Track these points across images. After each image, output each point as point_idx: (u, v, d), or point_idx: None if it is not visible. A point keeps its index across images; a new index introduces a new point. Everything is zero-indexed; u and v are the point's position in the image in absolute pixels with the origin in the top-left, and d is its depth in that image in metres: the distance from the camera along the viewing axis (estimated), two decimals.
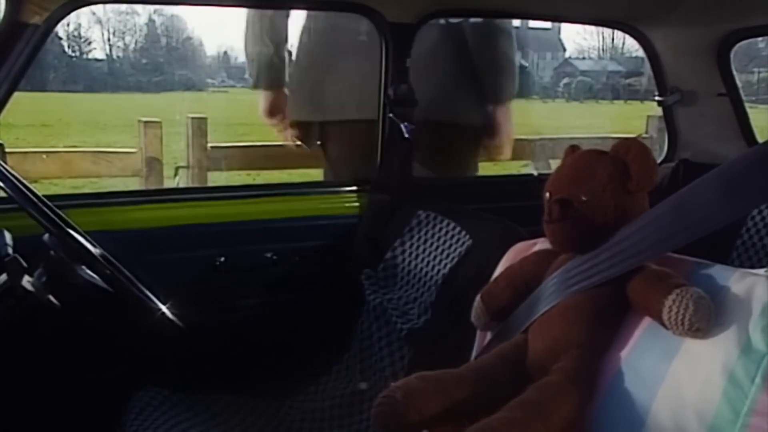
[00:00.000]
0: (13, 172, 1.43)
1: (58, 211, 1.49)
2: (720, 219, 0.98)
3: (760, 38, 3.94)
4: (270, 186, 2.33)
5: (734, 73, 2.23)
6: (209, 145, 3.86)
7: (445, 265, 1.72)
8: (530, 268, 1.23)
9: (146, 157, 3.45)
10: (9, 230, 1.46)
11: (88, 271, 1.41)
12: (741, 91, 2.27)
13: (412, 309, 1.76)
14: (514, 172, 4.08)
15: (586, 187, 1.11)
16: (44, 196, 1.49)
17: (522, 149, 4.11)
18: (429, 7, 1.98)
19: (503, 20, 2.37)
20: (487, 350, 1.21)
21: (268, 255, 1.94)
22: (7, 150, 3.12)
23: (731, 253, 1.93)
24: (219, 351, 1.82)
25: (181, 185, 2.39)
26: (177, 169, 2.41)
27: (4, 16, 1.51)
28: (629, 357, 1.03)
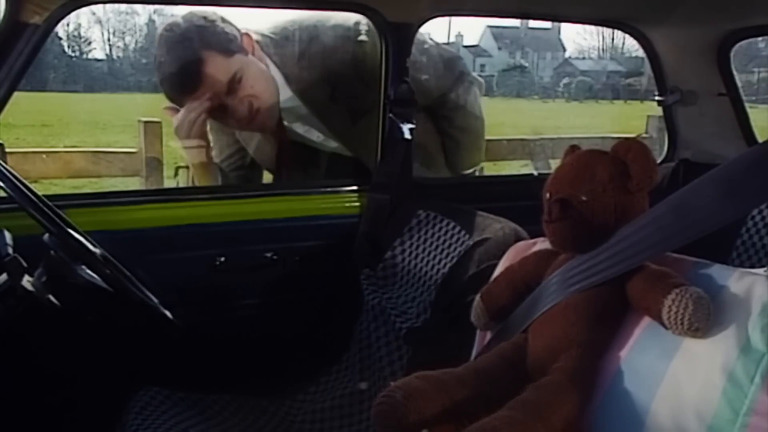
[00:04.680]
0: (13, 172, 1.43)
1: (58, 211, 1.49)
2: (720, 219, 0.98)
3: (760, 38, 3.94)
4: (270, 186, 2.33)
5: (734, 73, 2.23)
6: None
7: (445, 264, 1.72)
8: (530, 268, 1.23)
9: (146, 157, 3.45)
10: (9, 230, 1.45)
11: (88, 271, 1.41)
12: (741, 91, 2.27)
13: (411, 309, 1.76)
14: (514, 172, 4.08)
15: (585, 187, 1.11)
16: (44, 196, 1.49)
17: (522, 149, 4.12)
18: (429, 7, 1.98)
19: None
20: (487, 350, 1.21)
21: (268, 255, 1.94)
22: (7, 150, 3.12)
23: (731, 253, 1.93)
24: (219, 351, 1.82)
25: (181, 185, 2.38)
26: (177, 169, 2.41)
27: (4, 16, 1.51)
28: (629, 356, 1.03)
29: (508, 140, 4.24)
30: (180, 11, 2.11)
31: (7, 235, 1.43)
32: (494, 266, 1.37)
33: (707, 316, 0.95)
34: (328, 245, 2.00)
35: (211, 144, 2.21)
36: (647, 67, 2.40)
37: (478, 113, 2.39)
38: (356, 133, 2.20)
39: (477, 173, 2.49)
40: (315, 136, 2.24)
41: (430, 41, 2.26)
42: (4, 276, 1.36)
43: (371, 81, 2.06)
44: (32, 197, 1.40)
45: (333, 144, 2.25)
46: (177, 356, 1.72)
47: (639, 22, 2.26)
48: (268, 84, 2.09)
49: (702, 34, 2.19)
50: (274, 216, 1.95)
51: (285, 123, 2.19)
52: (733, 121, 2.27)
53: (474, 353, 1.31)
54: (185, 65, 1.95)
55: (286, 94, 2.12)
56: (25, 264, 1.36)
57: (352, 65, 2.11)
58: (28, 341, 1.63)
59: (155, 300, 1.49)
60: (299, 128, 2.22)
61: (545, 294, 1.14)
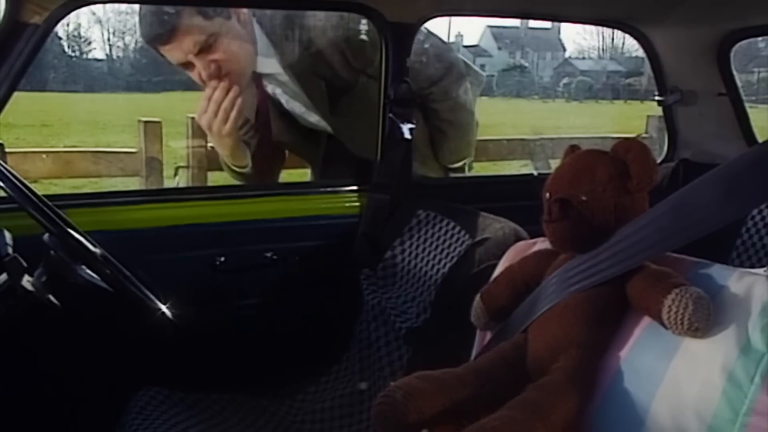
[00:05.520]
0: (13, 172, 1.43)
1: (58, 211, 1.49)
2: (720, 219, 0.98)
3: (760, 38, 3.94)
4: (270, 186, 2.33)
5: (734, 73, 2.24)
6: (209, 145, 3.86)
7: (445, 264, 1.72)
8: (530, 268, 1.23)
9: (146, 157, 3.45)
10: (9, 230, 1.46)
11: (88, 271, 1.41)
12: (741, 91, 2.27)
13: (411, 308, 1.76)
14: (514, 172, 4.09)
15: (585, 187, 1.11)
16: (44, 196, 1.49)
17: (522, 149, 4.12)
18: (429, 7, 1.98)
19: None
20: (487, 350, 1.22)
21: (268, 255, 1.94)
22: (7, 150, 3.11)
23: (731, 253, 1.93)
24: (219, 351, 1.82)
25: (181, 185, 2.38)
26: (177, 169, 2.42)
27: (4, 16, 1.51)
28: (629, 356, 1.03)
29: (508, 140, 4.23)
30: None
31: (7, 235, 1.44)
32: (494, 266, 1.37)
33: (707, 316, 0.95)
34: (327, 245, 2.00)
35: None
36: (647, 67, 2.40)
37: (468, 107, 2.38)
38: (337, 111, 2.21)
39: (466, 168, 2.48)
40: (296, 107, 2.25)
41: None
42: (4, 276, 1.36)
43: (354, 58, 2.10)
44: (32, 197, 1.40)
45: (314, 117, 2.26)
46: (177, 356, 1.72)
47: (639, 22, 2.26)
48: (243, 51, 2.08)
49: (702, 34, 2.19)
50: (273, 216, 1.95)
51: (269, 90, 2.21)
52: (733, 121, 2.27)
53: (474, 353, 1.31)
54: (163, 14, 1.97)
55: (271, 61, 2.14)
56: (25, 264, 1.36)
57: (335, 41, 2.12)
58: (28, 341, 1.63)
59: (155, 300, 1.49)
60: (282, 97, 2.24)
61: (545, 294, 1.14)
